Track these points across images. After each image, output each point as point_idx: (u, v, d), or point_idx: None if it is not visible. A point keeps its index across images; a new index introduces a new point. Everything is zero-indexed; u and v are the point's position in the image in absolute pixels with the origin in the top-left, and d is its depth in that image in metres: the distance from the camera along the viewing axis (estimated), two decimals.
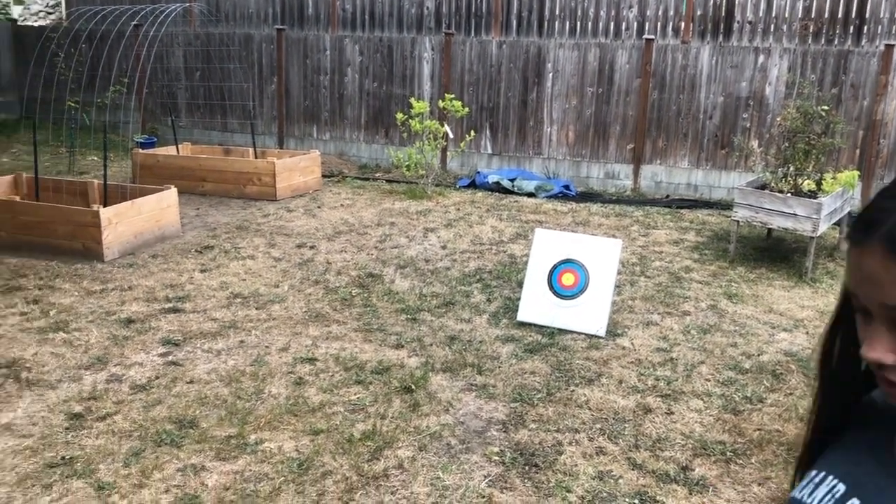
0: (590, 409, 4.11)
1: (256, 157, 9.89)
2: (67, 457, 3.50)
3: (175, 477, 3.36)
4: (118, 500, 3.17)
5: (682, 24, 10.46)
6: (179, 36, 12.82)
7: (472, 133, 10.32)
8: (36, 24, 15.05)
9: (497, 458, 3.60)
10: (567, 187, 9.97)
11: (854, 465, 0.94)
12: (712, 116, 9.91)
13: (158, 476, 3.36)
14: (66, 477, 3.34)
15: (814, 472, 0.98)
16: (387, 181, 10.57)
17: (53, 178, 8.13)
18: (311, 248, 7.18)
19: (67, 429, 3.76)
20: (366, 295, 5.88)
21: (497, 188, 10.02)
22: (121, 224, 6.75)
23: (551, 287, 5.28)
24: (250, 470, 3.42)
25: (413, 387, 4.30)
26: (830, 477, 0.95)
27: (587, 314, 5.15)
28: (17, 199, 7.21)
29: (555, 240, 5.46)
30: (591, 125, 10.49)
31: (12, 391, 4.14)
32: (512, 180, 10.09)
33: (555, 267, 5.32)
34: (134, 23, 11.78)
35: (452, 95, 10.09)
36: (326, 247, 7.22)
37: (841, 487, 0.93)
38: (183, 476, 3.36)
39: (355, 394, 4.22)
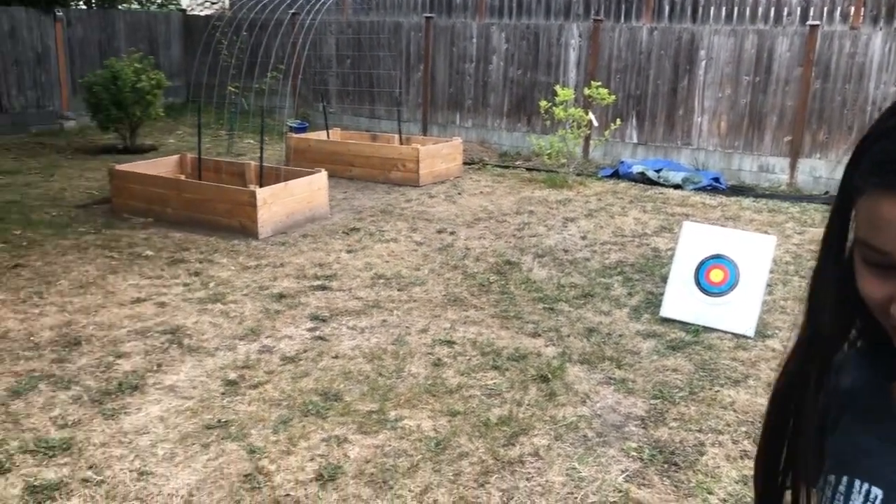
0: (735, 410, 3.94)
1: (401, 144, 10.11)
2: (223, 420, 3.73)
3: (320, 446, 3.51)
4: (267, 465, 3.35)
5: (852, 9, 9.77)
6: (333, 24, 13.29)
7: (618, 121, 10.10)
8: (202, 14, 16.03)
9: (635, 453, 3.53)
10: (717, 180, 9.57)
11: (878, 461, 0.82)
12: (881, 108, 9.21)
13: (304, 444, 3.53)
14: (222, 439, 3.56)
15: (832, 478, 0.86)
16: (527, 169, 10.54)
17: (214, 159, 8.65)
18: (451, 233, 7.27)
19: (223, 394, 4.01)
20: (503, 282, 5.89)
21: (641, 179, 9.76)
22: (275, 204, 7.10)
23: (698, 283, 5.10)
24: (390, 445, 3.53)
25: (549, 376, 4.28)
26: (858, 482, 0.83)
27: (735, 313, 4.93)
28: (183, 178, 7.73)
29: (704, 234, 5.26)
30: (745, 115, 10.01)
31: (176, 356, 4.46)
32: (658, 171, 9.80)
33: (703, 262, 5.13)
34: (291, 11, 12.31)
35: (598, 83, 9.90)
36: (466, 233, 7.29)
37: (877, 493, 0.81)
38: (327, 446, 3.51)
39: (492, 379, 4.25)
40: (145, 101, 10.87)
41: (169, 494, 3.14)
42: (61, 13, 12.78)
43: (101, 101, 10.69)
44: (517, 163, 10.98)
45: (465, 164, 10.36)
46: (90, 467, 3.32)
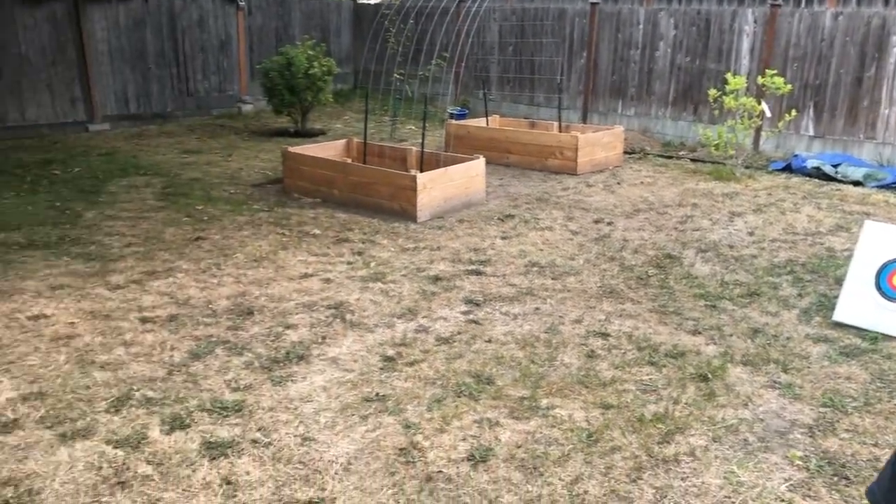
0: None
1: (560, 131, 10.02)
2: (381, 394, 3.87)
3: (472, 427, 3.57)
4: (422, 441, 3.45)
5: None
6: (497, 11, 13.33)
7: (793, 112, 9.51)
8: (372, 3, 16.55)
9: (800, 462, 3.34)
10: None
11: None
12: None
13: (457, 424, 3.60)
14: (379, 412, 3.70)
15: None
16: (691, 160, 10.15)
17: (378, 144, 8.94)
18: (609, 224, 7.14)
19: (381, 369, 4.16)
20: (663, 276, 5.72)
21: (816, 174, 9.15)
22: (434, 189, 7.25)
23: (879, 287, 4.73)
24: (541, 433, 3.53)
25: (709, 375, 4.12)
26: None
27: None
28: (349, 161, 8.05)
29: (888, 235, 4.86)
30: None
31: (339, 330, 4.68)
32: (835, 166, 9.15)
33: (885, 265, 4.75)
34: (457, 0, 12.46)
35: (774, 71, 9.36)
36: (624, 224, 7.14)
37: None
38: (479, 428, 3.57)
39: (647, 374, 4.15)
40: (316, 87, 11.39)
41: (329, 461, 3.30)
42: (243, 3, 13.61)
43: (275, 86, 11.32)
44: (681, 153, 10.60)
45: (625, 153, 10.12)
46: (259, 429, 3.55)
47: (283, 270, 5.73)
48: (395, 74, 11.22)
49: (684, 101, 11.29)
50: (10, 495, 3.04)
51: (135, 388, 3.90)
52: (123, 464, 3.24)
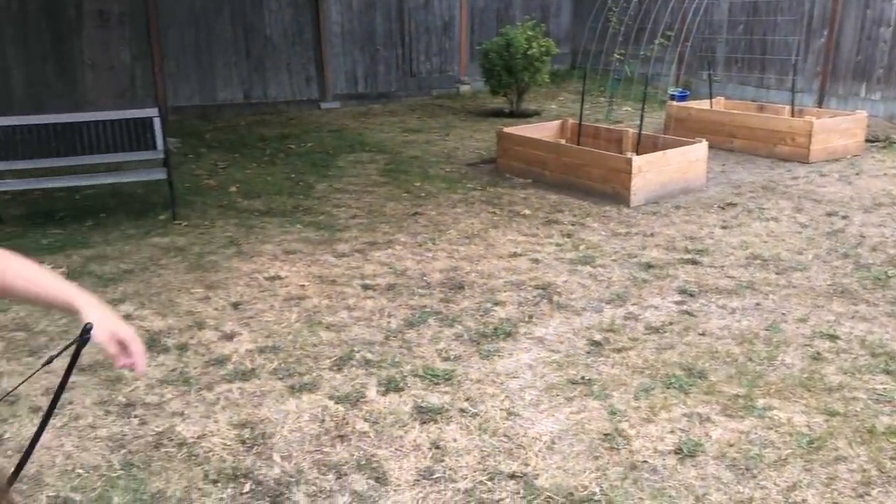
0: None
1: (792, 116, 9.32)
2: (586, 378, 3.86)
3: (680, 420, 3.46)
4: (627, 428, 3.40)
5: None
6: None
7: None
8: None
9: None
10: None
11: None
12: None
13: (665, 416, 3.50)
14: (585, 395, 3.69)
15: None
16: None
17: (594, 125, 8.82)
18: (843, 217, 6.56)
19: (588, 353, 4.14)
20: None
21: None
22: (650, 172, 7.04)
23: None
24: (756, 433, 3.35)
25: None
26: None
27: None
28: (563, 142, 8.01)
29: None
30: None
31: (546, 310, 4.70)
32: None
33: None
34: None
35: None
36: (861, 218, 6.53)
37: None
38: (688, 422, 3.45)
39: (881, 383, 3.79)
40: (534, 68, 11.42)
41: (533, 437, 3.34)
42: None
43: (494, 66, 11.49)
44: None
45: (867, 141, 9.22)
46: (467, 399, 3.67)
47: (492, 248, 5.84)
48: (615, 54, 10.97)
49: None
50: (246, 436, 3.38)
51: (355, 349, 4.17)
52: (343, 419, 3.49)
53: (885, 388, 3.74)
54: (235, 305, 4.75)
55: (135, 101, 10.28)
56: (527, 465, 3.15)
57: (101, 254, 5.73)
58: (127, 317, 4.59)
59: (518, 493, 2.97)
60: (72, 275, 5.21)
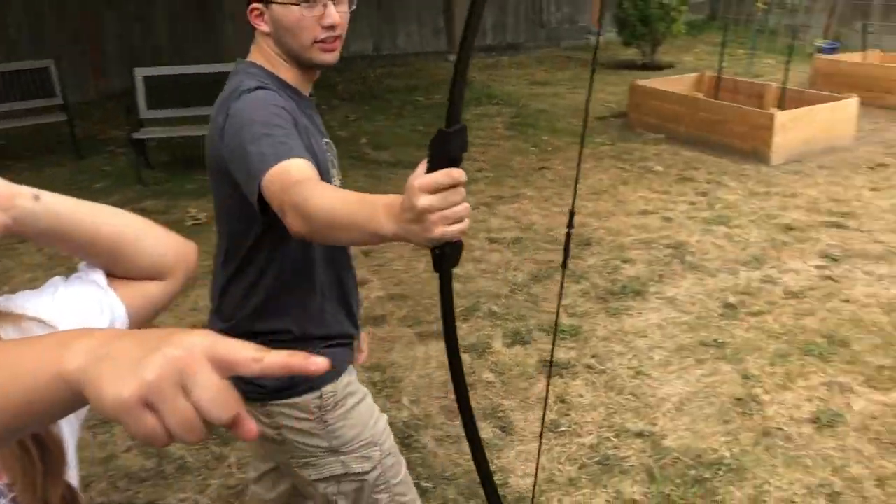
0: None
1: None
2: (719, 340, 3.75)
3: (819, 389, 3.32)
4: (761, 394, 3.29)
5: None
6: None
7: None
8: None
9: None
10: None
11: None
12: None
13: (802, 384, 3.36)
14: (717, 358, 3.59)
15: None
16: None
17: (734, 79, 8.39)
18: None
19: (721, 315, 4.01)
20: None
21: None
22: (793, 129, 6.66)
23: None
24: None
25: None
26: None
27: None
28: (700, 96, 7.68)
29: None
30: None
31: (678, 270, 4.58)
32: None
33: None
34: None
35: None
36: None
37: None
38: (828, 391, 3.30)
39: None
40: (670, 18, 10.96)
41: (661, 398, 3.29)
42: None
43: (628, 16, 11.10)
44: None
45: None
46: (593, 356, 3.65)
47: (622, 205, 5.72)
48: (759, 3, 10.36)
49: None
50: (377, 379, 3.50)
51: (482, 300, 4.22)
52: (470, 368, 3.56)
53: None
54: (366, 253, 4.89)
55: None
56: (654, 424, 3.11)
57: None
58: None
59: (644, 451, 2.95)
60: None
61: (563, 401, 3.29)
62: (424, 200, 1.02)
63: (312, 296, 1.65)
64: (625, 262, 4.71)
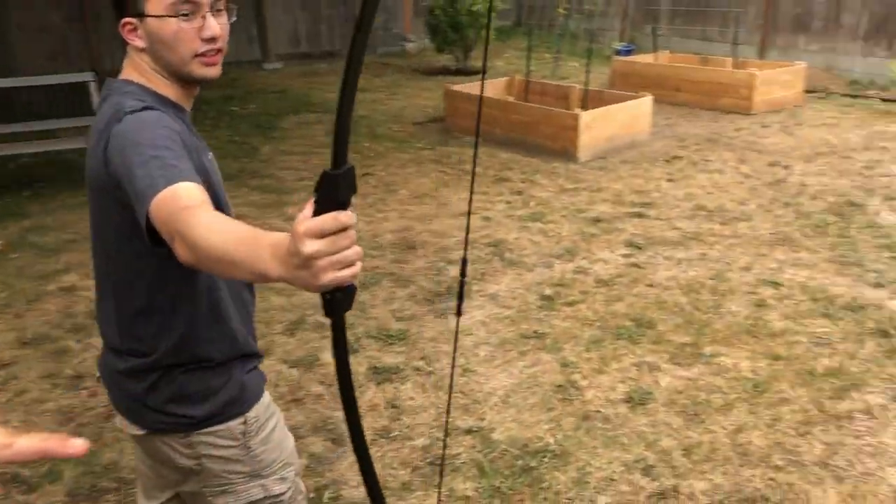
0: None
1: (735, 68, 9.44)
2: (539, 332, 3.91)
3: (630, 370, 3.55)
4: (579, 380, 3.47)
5: None
6: None
7: None
8: None
9: None
10: None
11: None
12: None
13: (616, 366, 3.58)
14: (537, 349, 3.75)
15: None
16: (882, 100, 9.28)
17: (540, 82, 8.81)
18: (785, 167, 6.71)
19: (539, 307, 4.19)
20: (843, 224, 5.34)
21: None
22: (596, 128, 7.09)
23: None
24: (703, 380, 3.45)
25: (892, 331, 3.84)
26: None
27: None
28: (510, 99, 8.00)
29: None
30: None
31: (498, 267, 4.74)
32: None
33: None
34: None
35: None
36: (802, 168, 6.68)
37: None
38: (638, 371, 3.53)
39: (822, 327, 3.93)
40: (479, 24, 11.32)
41: (488, 392, 3.39)
42: None
43: (439, 23, 11.36)
44: (870, 93, 9.72)
45: (806, 92, 9.41)
46: (422, 358, 3.70)
47: (444, 207, 5.84)
48: (559, 9, 10.95)
49: (877, 35, 10.29)
50: None
51: (308, 313, 4.16)
52: (298, 383, 3.49)
53: (824, 332, 3.88)
54: None
55: (68, 64, 9.92)
56: (482, 419, 3.20)
57: (41, 224, 5.57)
58: (71, 288, 4.49)
59: (474, 447, 3.02)
60: (10, 247, 5.06)
61: (394, 406, 3.31)
62: (310, 247, 0.95)
63: (227, 318, 1.60)
64: (449, 263, 4.81)
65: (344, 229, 0.97)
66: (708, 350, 3.71)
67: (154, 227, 1.27)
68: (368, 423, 3.17)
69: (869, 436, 3.04)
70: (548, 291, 4.39)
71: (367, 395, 3.38)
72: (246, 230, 1.14)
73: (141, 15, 1.47)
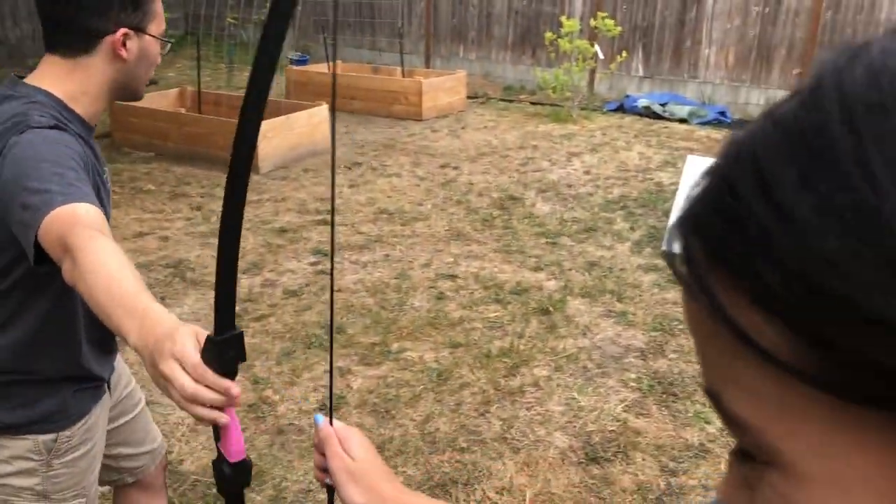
0: None
1: (403, 77, 9.96)
2: None
3: (323, 378, 3.56)
4: (272, 395, 3.40)
5: None
6: None
7: (624, 54, 9.92)
8: None
9: (634, 384, 3.57)
10: (723, 114, 9.45)
11: None
12: None
13: (308, 376, 3.57)
14: None
15: None
16: (531, 103, 10.40)
17: (214, 93, 8.55)
18: (454, 168, 7.23)
19: None
20: (506, 217, 5.88)
21: (646, 113, 9.64)
22: (275, 138, 7.04)
23: None
24: (392, 376, 3.57)
25: (551, 309, 4.31)
26: None
27: None
28: (183, 111, 7.65)
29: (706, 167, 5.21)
30: (753, 48, 9.82)
31: (179, 288, 4.49)
32: (663, 105, 9.68)
33: None
34: None
35: (605, 14, 9.69)
36: (469, 168, 7.25)
37: None
38: None
39: (494, 312, 4.28)
40: None
41: (175, 423, 3.19)
42: None
43: None
44: (521, 97, 10.84)
45: (468, 98, 10.22)
46: None
47: (115, 230, 5.37)
48: (229, 19, 10.72)
49: (523, 45, 11.50)
50: None
51: None
52: None
53: (497, 316, 4.23)
54: None
55: None
56: (171, 452, 3.00)
57: None
58: None
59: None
60: None
61: None
62: (169, 370, 0.89)
63: (74, 336, 1.60)
64: None
65: (217, 390, 0.90)
66: (395, 346, 3.85)
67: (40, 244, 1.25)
68: None
69: (538, 406, 3.37)
70: (235, 309, 4.24)
71: None
72: (131, 283, 1.13)
73: (142, 31, 1.57)
